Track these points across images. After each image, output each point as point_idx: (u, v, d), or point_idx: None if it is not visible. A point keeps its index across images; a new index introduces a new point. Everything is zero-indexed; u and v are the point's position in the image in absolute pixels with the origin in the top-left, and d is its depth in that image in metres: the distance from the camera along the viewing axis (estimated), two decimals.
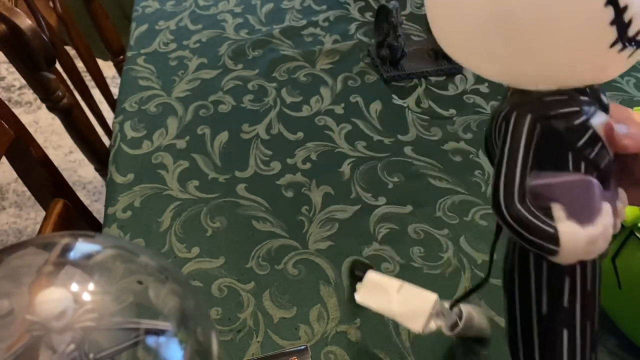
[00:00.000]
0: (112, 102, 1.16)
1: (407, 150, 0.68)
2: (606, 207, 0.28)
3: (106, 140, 0.98)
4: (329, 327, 0.51)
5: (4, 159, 0.63)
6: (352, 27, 0.88)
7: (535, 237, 0.27)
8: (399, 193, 0.63)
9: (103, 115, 1.11)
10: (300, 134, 0.70)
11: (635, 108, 0.48)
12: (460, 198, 0.62)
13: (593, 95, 0.29)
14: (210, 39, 0.86)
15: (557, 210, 0.28)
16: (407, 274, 0.55)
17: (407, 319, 0.40)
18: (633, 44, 0.26)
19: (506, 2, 0.26)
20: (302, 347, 0.48)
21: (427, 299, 0.40)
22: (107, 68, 1.52)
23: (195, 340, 0.34)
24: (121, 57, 1.15)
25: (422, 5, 0.93)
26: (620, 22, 0.25)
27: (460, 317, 0.42)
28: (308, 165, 0.66)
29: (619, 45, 0.26)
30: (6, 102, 0.64)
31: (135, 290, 0.33)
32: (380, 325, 0.51)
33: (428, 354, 0.49)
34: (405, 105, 0.74)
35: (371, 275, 0.42)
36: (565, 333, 0.31)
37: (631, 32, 0.26)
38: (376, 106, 0.74)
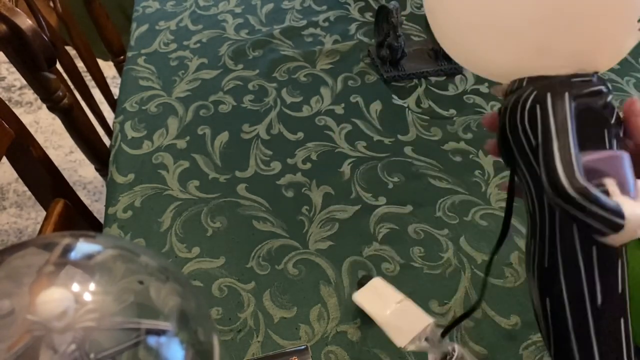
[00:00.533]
0: (112, 102, 1.16)
1: (407, 150, 0.68)
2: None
3: (106, 140, 0.98)
4: (329, 327, 0.52)
5: (4, 159, 0.63)
6: (352, 27, 0.88)
7: (603, 211, 0.26)
8: (399, 193, 0.63)
9: (103, 115, 1.11)
10: (300, 134, 0.70)
11: None
12: (460, 198, 0.62)
13: (597, 77, 0.30)
14: (211, 39, 0.86)
15: (612, 185, 0.27)
16: (407, 274, 0.55)
17: (394, 331, 0.39)
18: None
19: None
20: (303, 347, 0.48)
21: (421, 319, 0.39)
22: (108, 68, 1.52)
23: (195, 340, 0.34)
24: (122, 57, 1.15)
25: (422, 5, 0.93)
26: None
27: (452, 353, 0.41)
28: (308, 165, 0.66)
29: None
30: (7, 102, 0.64)
31: (136, 290, 0.33)
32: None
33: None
34: (405, 105, 0.75)
35: (377, 281, 0.42)
36: (622, 322, 0.30)
37: None
38: (376, 106, 0.74)
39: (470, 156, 0.67)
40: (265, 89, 0.77)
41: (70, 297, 0.29)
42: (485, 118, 0.35)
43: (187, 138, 0.70)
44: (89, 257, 0.34)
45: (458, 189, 0.63)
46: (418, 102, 0.75)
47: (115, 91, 0.91)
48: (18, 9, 0.65)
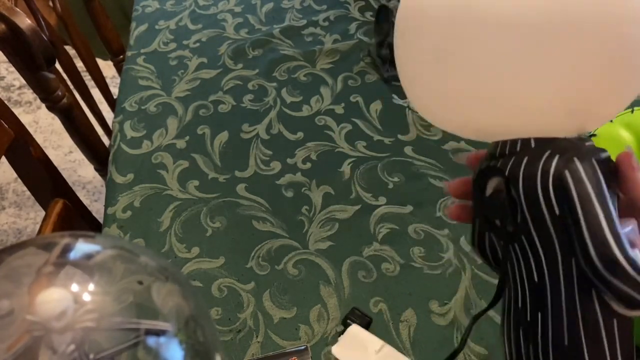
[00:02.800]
0: (112, 102, 1.16)
1: (408, 150, 0.68)
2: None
3: (106, 140, 0.98)
4: (329, 327, 0.51)
5: (3, 158, 0.63)
6: (353, 26, 0.88)
7: None
8: (399, 193, 0.63)
9: (103, 115, 1.11)
10: (300, 134, 0.70)
11: (636, 108, 0.48)
12: None
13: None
14: (210, 39, 0.86)
15: None
16: (407, 274, 0.55)
17: None
18: None
19: None
20: (302, 347, 0.48)
21: None
22: (107, 68, 1.51)
23: (195, 341, 0.34)
24: (121, 56, 1.15)
25: None
26: None
27: None
28: (308, 165, 0.66)
29: None
30: (6, 102, 0.64)
31: (135, 290, 0.33)
32: (380, 326, 0.51)
33: (428, 354, 0.49)
34: (405, 105, 0.74)
35: (354, 330, 0.42)
36: None
37: None
38: (376, 106, 0.74)
39: None
40: (265, 89, 0.77)
41: (70, 298, 0.29)
42: (469, 158, 0.33)
43: (187, 138, 0.70)
44: (89, 257, 0.34)
45: None
46: None
47: (115, 91, 0.91)
48: (17, 9, 0.65)
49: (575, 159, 0.27)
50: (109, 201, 0.63)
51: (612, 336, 0.28)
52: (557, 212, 0.28)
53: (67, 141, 1.60)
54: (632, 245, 0.26)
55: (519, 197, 0.29)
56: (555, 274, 0.29)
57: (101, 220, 0.63)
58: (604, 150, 0.28)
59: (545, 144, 0.29)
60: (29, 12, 0.83)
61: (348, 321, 0.49)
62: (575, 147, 0.28)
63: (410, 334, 0.51)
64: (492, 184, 0.31)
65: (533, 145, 0.29)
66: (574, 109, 0.28)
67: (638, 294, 0.26)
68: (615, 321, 0.28)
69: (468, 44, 0.26)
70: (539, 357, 0.30)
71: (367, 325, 0.50)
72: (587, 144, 0.28)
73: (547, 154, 0.28)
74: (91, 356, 0.29)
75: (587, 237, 0.26)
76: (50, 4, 0.99)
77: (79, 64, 1.06)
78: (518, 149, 0.29)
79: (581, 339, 0.29)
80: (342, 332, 0.48)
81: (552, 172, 0.27)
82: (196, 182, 0.65)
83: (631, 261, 0.26)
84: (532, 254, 0.29)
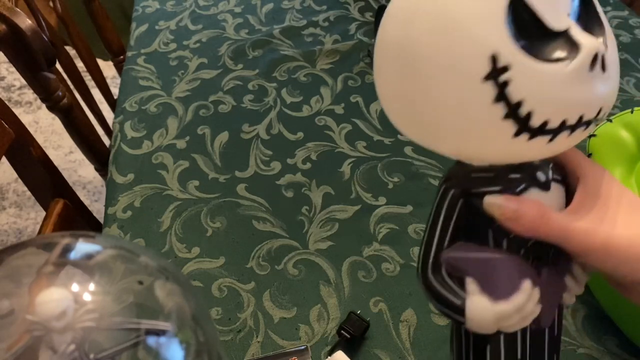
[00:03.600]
0: (112, 102, 1.16)
1: (407, 150, 0.68)
2: (525, 285, 0.28)
3: (106, 140, 0.98)
4: (329, 327, 0.51)
5: (4, 159, 0.63)
6: (352, 27, 0.88)
7: (443, 306, 0.29)
8: (399, 193, 0.63)
9: (103, 115, 1.11)
10: (300, 134, 0.70)
11: (636, 108, 0.48)
12: None
13: (528, 172, 0.28)
14: (210, 39, 0.86)
15: (469, 284, 0.28)
16: (407, 274, 0.55)
17: None
18: (543, 133, 0.25)
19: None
20: (302, 347, 0.48)
21: None
22: (107, 68, 1.52)
23: (195, 341, 0.34)
24: (121, 57, 1.15)
25: None
26: (516, 117, 0.25)
27: None
28: (308, 165, 0.66)
29: (526, 135, 0.25)
30: (6, 102, 0.64)
31: (135, 290, 0.33)
32: (380, 326, 0.51)
33: (428, 354, 0.49)
34: None
35: (339, 356, 0.42)
36: None
37: (535, 123, 0.25)
38: (376, 106, 0.74)
39: None
40: (265, 89, 0.77)
41: (70, 297, 0.29)
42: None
43: (187, 138, 0.70)
44: (89, 257, 0.34)
45: None
46: None
47: (115, 91, 0.91)
48: (18, 9, 0.65)
49: (444, 185, 0.29)
50: (109, 201, 0.63)
51: (468, 336, 0.32)
52: None
53: (68, 141, 1.60)
54: (453, 269, 0.29)
55: None
56: None
57: (101, 220, 0.63)
58: (492, 185, 0.28)
59: (454, 165, 0.30)
60: (29, 13, 0.83)
61: (342, 331, 0.48)
62: (457, 174, 0.29)
63: (410, 334, 0.51)
64: None
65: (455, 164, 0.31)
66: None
67: (443, 314, 0.29)
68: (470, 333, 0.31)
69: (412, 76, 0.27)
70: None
71: (364, 330, 0.49)
72: (474, 174, 0.29)
73: (446, 175, 0.30)
74: (91, 356, 0.29)
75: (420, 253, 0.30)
76: (51, 4, 0.99)
77: (80, 64, 1.06)
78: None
79: (452, 331, 0.34)
80: (334, 348, 0.48)
81: (439, 190, 0.30)
82: (196, 182, 0.65)
83: (426, 284, 0.29)
84: None
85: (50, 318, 0.28)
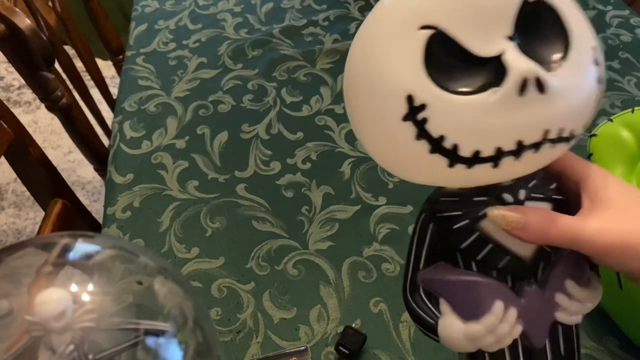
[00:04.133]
0: (111, 102, 1.15)
1: None
2: (496, 306, 0.28)
3: (105, 140, 0.97)
4: (329, 327, 0.51)
5: (3, 159, 0.63)
6: (352, 26, 0.88)
7: (420, 325, 0.30)
8: (399, 193, 0.63)
9: (102, 115, 1.11)
10: (300, 134, 0.70)
11: (637, 108, 0.48)
12: None
13: (494, 194, 0.28)
14: (210, 39, 0.86)
15: (442, 304, 0.30)
16: None
17: None
18: (479, 161, 0.26)
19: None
20: (302, 347, 0.48)
21: None
22: (107, 68, 1.51)
23: (194, 341, 0.34)
24: (120, 56, 1.15)
25: None
26: (442, 150, 0.25)
27: None
28: (308, 165, 0.66)
29: (462, 165, 0.26)
30: (5, 102, 0.64)
31: (134, 290, 0.33)
32: (380, 326, 0.51)
33: (428, 354, 0.49)
34: None
35: None
36: None
37: (465, 153, 0.25)
38: None
39: None
40: (264, 89, 0.77)
41: (69, 298, 0.29)
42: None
43: (187, 138, 0.70)
44: (88, 257, 0.34)
45: None
46: None
47: (114, 91, 0.91)
48: (17, 9, 0.65)
49: (421, 208, 0.31)
50: (109, 201, 0.63)
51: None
52: None
53: (67, 141, 1.60)
54: (430, 290, 0.31)
55: None
56: None
57: (101, 220, 0.63)
58: (457, 209, 0.29)
59: (434, 192, 0.32)
60: (28, 12, 0.83)
61: (340, 347, 0.48)
62: (429, 200, 0.31)
63: (410, 334, 0.50)
64: None
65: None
66: None
67: (419, 329, 0.31)
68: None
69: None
70: None
71: (362, 343, 0.48)
72: (443, 198, 0.30)
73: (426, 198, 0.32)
74: (90, 356, 0.28)
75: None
76: (50, 4, 0.99)
77: (79, 64, 1.06)
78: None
79: None
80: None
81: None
82: (196, 182, 0.64)
83: (406, 303, 0.31)
84: None
85: (49, 318, 0.28)
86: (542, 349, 0.30)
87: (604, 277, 0.31)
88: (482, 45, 0.25)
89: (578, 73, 0.26)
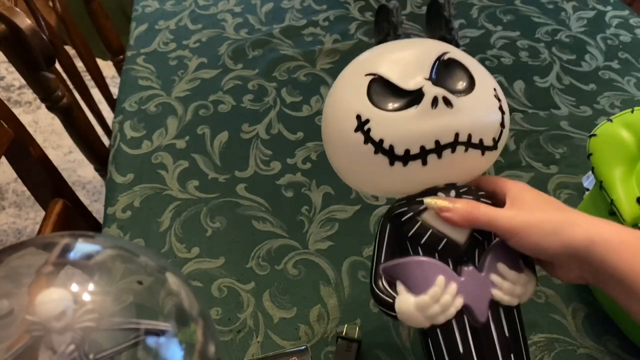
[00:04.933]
0: (111, 102, 1.15)
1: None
2: (439, 280, 0.35)
3: (106, 140, 0.97)
4: (329, 327, 0.51)
5: (3, 158, 0.63)
6: (353, 26, 0.88)
7: (381, 306, 0.37)
8: None
9: (103, 115, 1.11)
10: (300, 134, 0.70)
11: (636, 108, 0.48)
12: None
13: (431, 193, 0.37)
14: (210, 39, 0.86)
15: (398, 286, 0.37)
16: None
17: None
18: (411, 158, 0.36)
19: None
20: (302, 347, 0.48)
21: None
22: (107, 68, 1.51)
23: (195, 341, 0.34)
24: (121, 56, 1.15)
25: (423, 4, 0.93)
26: (383, 150, 0.36)
27: None
28: (308, 165, 0.66)
29: (399, 163, 0.36)
30: (6, 102, 0.64)
31: (135, 290, 0.33)
32: (380, 326, 0.51)
33: None
34: None
35: None
36: None
37: (399, 152, 0.36)
38: None
39: None
40: (264, 89, 0.77)
41: (69, 298, 0.29)
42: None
43: (187, 138, 0.70)
44: (88, 257, 0.34)
45: None
46: None
47: (115, 91, 0.91)
48: (17, 9, 0.65)
49: (382, 220, 0.39)
50: (109, 201, 0.63)
51: (419, 330, 0.38)
52: None
53: (67, 141, 1.60)
54: (389, 277, 0.38)
55: None
56: None
57: (101, 220, 0.63)
58: (403, 208, 0.37)
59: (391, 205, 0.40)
60: (28, 12, 0.83)
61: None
62: (390, 207, 0.39)
63: (410, 334, 0.51)
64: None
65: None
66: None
67: (381, 307, 0.38)
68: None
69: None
70: None
71: (358, 349, 0.47)
72: (396, 204, 0.39)
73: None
74: (91, 356, 0.29)
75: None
76: (50, 4, 0.99)
77: (79, 64, 1.06)
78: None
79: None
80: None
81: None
82: (196, 182, 0.64)
83: (372, 290, 0.38)
84: None
85: (49, 318, 0.28)
86: (487, 327, 0.36)
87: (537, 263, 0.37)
88: (408, 83, 0.36)
89: (480, 99, 0.37)
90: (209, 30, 0.88)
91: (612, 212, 0.46)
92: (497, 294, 0.36)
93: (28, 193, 1.32)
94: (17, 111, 1.73)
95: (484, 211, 0.35)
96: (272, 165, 0.66)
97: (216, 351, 0.35)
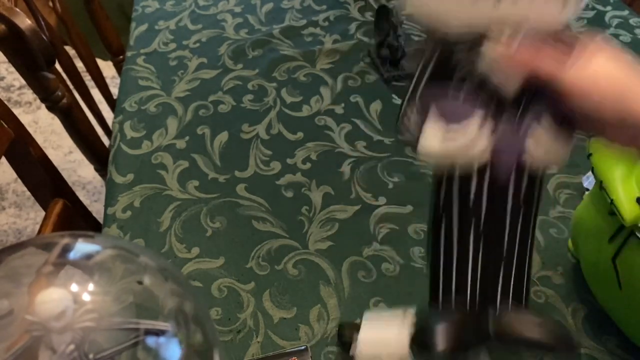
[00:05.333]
0: (111, 102, 1.15)
1: (408, 150, 0.68)
2: (475, 118, 0.32)
3: (106, 141, 0.97)
4: (329, 327, 0.51)
5: (3, 159, 0.63)
6: (352, 26, 0.88)
7: (408, 134, 0.34)
8: (399, 193, 0.63)
9: (103, 115, 1.11)
10: (300, 134, 0.70)
11: None
12: None
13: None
14: (210, 39, 0.86)
15: (432, 112, 0.33)
16: (407, 274, 0.55)
17: None
18: None
19: None
20: (302, 347, 0.48)
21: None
22: (107, 68, 1.51)
23: (195, 341, 0.34)
24: (121, 57, 1.15)
25: None
26: None
27: None
28: (308, 165, 0.66)
29: None
30: (6, 102, 0.64)
31: (135, 290, 0.33)
32: None
33: None
34: None
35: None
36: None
37: None
38: (376, 106, 0.74)
39: None
40: (264, 89, 0.77)
41: (69, 298, 0.29)
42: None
43: (187, 138, 0.70)
44: (88, 257, 0.34)
45: None
46: None
47: (115, 91, 0.91)
48: (17, 9, 0.65)
49: (435, 42, 0.34)
50: (109, 201, 0.63)
51: (450, 181, 0.36)
52: None
53: (67, 141, 1.60)
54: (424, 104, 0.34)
55: None
56: None
57: (101, 220, 0.63)
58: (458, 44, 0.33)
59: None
60: (28, 12, 0.83)
61: (343, 339, 0.47)
62: (441, 37, 0.33)
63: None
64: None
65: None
66: None
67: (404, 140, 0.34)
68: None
69: None
70: None
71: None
72: (450, 37, 0.33)
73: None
74: (91, 356, 0.29)
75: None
76: (50, 4, 0.99)
77: (79, 64, 1.06)
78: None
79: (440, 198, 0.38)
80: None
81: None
82: (196, 182, 0.64)
83: (401, 122, 0.34)
84: None
85: (49, 318, 0.28)
86: (505, 186, 0.34)
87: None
88: None
89: None
90: (209, 30, 0.88)
91: (612, 212, 0.46)
92: (528, 158, 0.33)
93: (28, 193, 1.32)
94: (17, 111, 1.73)
95: (548, 62, 0.31)
96: (272, 165, 0.66)
97: (216, 351, 0.35)
